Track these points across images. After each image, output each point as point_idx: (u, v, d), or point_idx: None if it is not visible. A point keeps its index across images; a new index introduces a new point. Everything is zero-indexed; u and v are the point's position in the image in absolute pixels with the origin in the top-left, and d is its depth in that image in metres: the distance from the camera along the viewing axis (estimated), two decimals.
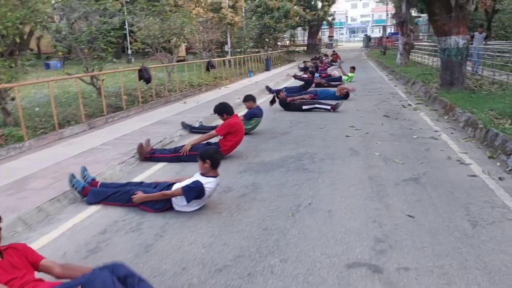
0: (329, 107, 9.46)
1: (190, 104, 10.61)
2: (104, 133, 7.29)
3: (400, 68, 19.31)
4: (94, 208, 4.01)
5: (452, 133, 6.87)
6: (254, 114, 7.14)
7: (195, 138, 6.02)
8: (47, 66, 22.77)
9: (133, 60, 28.91)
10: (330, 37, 56.73)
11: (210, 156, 3.92)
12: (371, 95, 11.77)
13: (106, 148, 6.15)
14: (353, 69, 15.99)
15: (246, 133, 6.42)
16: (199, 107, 10.17)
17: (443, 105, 8.84)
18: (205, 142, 5.78)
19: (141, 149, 5.72)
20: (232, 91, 13.17)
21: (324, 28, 61.99)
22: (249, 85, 14.95)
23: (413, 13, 32.77)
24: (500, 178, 4.52)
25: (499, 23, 23.47)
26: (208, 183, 3.87)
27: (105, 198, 4.13)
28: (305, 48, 42.78)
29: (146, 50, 13.52)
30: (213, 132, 5.76)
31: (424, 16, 50.34)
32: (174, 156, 5.72)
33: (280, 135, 7.13)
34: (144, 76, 9.86)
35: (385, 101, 10.60)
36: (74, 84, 10.11)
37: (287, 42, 47.47)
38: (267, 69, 22.51)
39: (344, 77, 15.95)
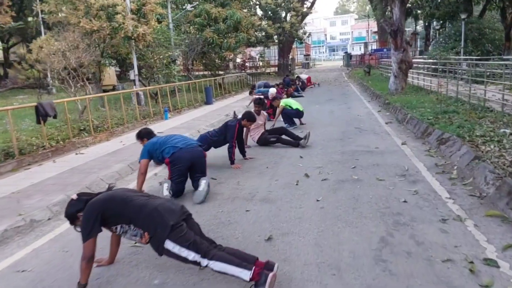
0: None
1: None
2: None
3: (397, 97, 12.80)
4: None
5: None
6: None
7: None
8: None
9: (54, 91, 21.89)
10: (307, 55, 50.69)
11: None
12: (359, 188, 4.98)
13: None
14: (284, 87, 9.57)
15: None
16: None
17: None
18: None
19: None
20: (60, 173, 6.19)
21: (300, 47, 56.32)
22: (122, 149, 7.99)
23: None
24: None
25: None
26: None
27: None
28: (276, 69, 36.39)
29: None
30: None
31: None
32: None
33: None
34: None
35: (404, 222, 3.81)
36: None
37: (259, 62, 41.15)
38: (208, 102, 15.76)
39: (287, 102, 9.43)
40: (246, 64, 41.10)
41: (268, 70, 38.65)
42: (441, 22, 30.92)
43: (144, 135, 5.16)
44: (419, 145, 6.95)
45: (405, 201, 4.27)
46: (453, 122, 7.68)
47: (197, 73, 27.91)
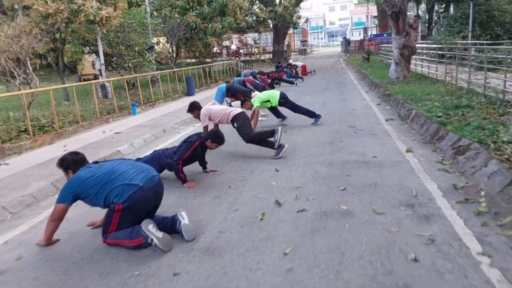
0: None
1: None
2: None
3: (399, 87, 11.27)
4: None
5: None
6: None
7: None
8: None
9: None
10: (304, 41, 48.70)
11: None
12: (348, 230, 3.51)
13: None
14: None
15: None
16: None
17: None
18: None
19: None
20: None
21: (298, 33, 54.32)
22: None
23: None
24: None
25: None
26: None
27: None
28: (271, 55, 34.65)
29: None
30: None
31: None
32: None
33: None
34: None
35: None
36: None
37: (254, 49, 39.37)
38: (189, 93, 14.25)
39: (262, 98, 7.81)
40: (240, 51, 39.38)
41: (263, 57, 36.97)
42: (444, 5, 29.16)
43: (70, 164, 3.38)
44: (429, 154, 5.47)
45: (415, 260, 2.81)
46: (469, 122, 6.20)
47: (188, 61, 26.26)
